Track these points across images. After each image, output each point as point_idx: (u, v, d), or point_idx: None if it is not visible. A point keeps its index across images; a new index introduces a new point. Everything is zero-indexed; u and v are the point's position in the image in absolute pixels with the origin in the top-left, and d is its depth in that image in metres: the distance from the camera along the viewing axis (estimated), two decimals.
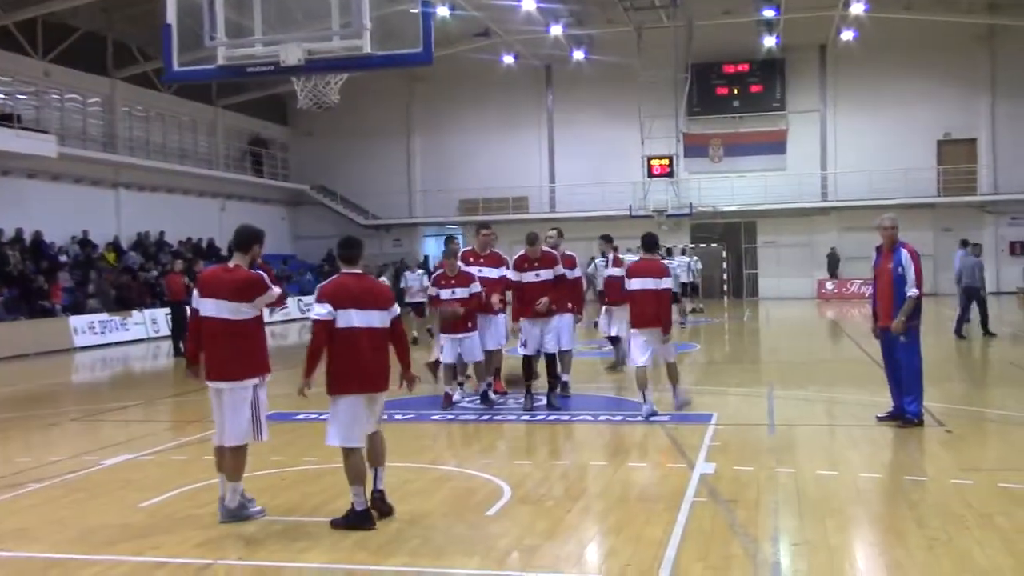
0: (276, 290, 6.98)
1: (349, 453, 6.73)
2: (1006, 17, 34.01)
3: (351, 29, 6.90)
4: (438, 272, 11.97)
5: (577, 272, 12.62)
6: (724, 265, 39.47)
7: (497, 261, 12.19)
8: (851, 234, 37.93)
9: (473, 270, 11.78)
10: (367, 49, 6.89)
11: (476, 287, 11.57)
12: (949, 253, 26.82)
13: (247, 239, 7.04)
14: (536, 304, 11.18)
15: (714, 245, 39.41)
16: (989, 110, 37.22)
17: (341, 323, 6.72)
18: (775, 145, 39.06)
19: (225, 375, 6.83)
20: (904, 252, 9.76)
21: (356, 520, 6.60)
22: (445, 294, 11.59)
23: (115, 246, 30.23)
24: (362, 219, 41.58)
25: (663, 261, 11.80)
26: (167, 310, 26.08)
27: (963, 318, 19.50)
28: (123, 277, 27.96)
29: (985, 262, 23.46)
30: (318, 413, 11.41)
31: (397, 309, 6.97)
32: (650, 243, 11.22)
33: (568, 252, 12.46)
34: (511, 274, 11.68)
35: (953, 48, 36.32)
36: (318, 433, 10.37)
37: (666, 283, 10.79)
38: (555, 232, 13.13)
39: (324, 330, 6.73)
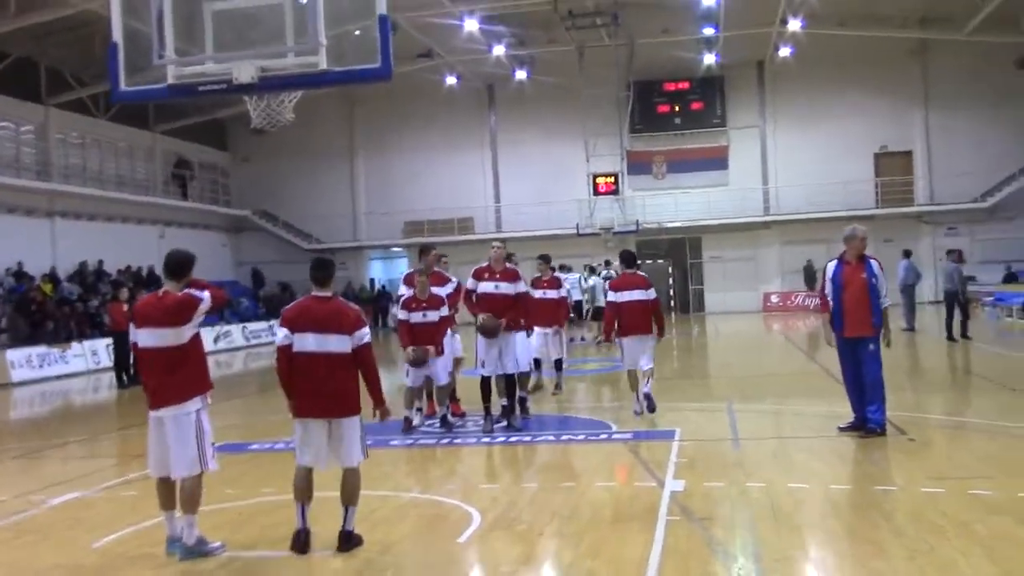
0: (206, 295, 6.72)
1: (297, 469, 6.66)
2: (936, 31, 34.76)
3: (306, 45, 6.69)
4: (406, 295, 11.69)
5: (522, 287, 12.32)
6: (671, 281, 39.68)
7: (442, 280, 12.02)
8: (793, 247, 38.57)
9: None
10: (323, 65, 6.68)
11: (446, 310, 11.38)
12: (892, 263, 27.22)
13: (180, 266, 6.78)
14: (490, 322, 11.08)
15: (660, 261, 39.61)
16: (923, 123, 38.04)
17: (297, 347, 6.64)
18: (717, 161, 39.50)
19: (167, 400, 6.59)
20: (875, 263, 9.84)
21: (292, 542, 6.51)
22: (416, 317, 11.35)
23: (51, 277, 29.41)
24: (305, 244, 41.12)
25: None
26: (108, 341, 25.45)
27: (950, 322, 20.62)
28: (62, 308, 27.16)
29: (924, 272, 24.10)
30: (272, 443, 11.18)
31: (363, 335, 6.70)
32: (630, 259, 12.35)
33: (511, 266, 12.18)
34: (469, 283, 11.53)
35: (887, 62, 37.08)
36: (273, 463, 10.13)
37: (653, 293, 11.82)
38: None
39: (283, 355, 6.72)
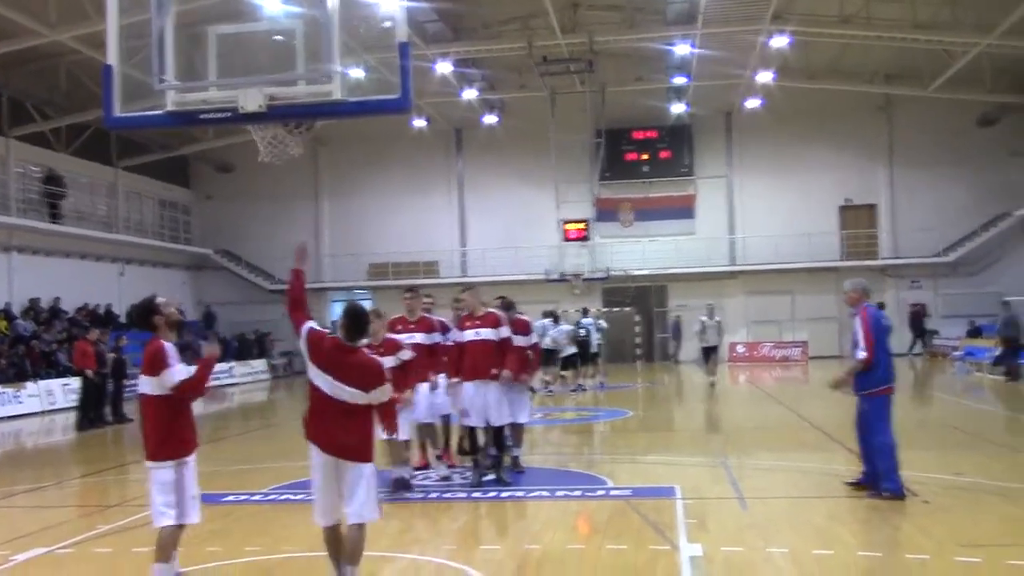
0: (176, 370, 6.33)
1: (323, 532, 6.29)
2: (902, 87, 35.23)
3: (319, 73, 6.25)
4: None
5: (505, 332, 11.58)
6: (636, 329, 39.35)
7: (428, 327, 11.30)
8: (757, 297, 38.55)
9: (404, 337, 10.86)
10: (337, 95, 6.24)
11: (407, 354, 10.52)
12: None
13: (141, 314, 6.64)
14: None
15: (626, 309, 39.31)
16: (887, 177, 38.39)
17: (311, 376, 6.20)
18: (684, 210, 39.52)
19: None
20: (858, 317, 9.57)
21: None
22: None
23: (6, 314, 28.38)
24: (268, 284, 40.33)
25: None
26: (64, 381, 24.59)
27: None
28: (17, 346, 26.13)
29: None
30: (249, 494, 10.58)
31: (382, 394, 6.20)
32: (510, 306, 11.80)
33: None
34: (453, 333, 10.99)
35: (853, 117, 37.50)
36: (255, 517, 9.52)
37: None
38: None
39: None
